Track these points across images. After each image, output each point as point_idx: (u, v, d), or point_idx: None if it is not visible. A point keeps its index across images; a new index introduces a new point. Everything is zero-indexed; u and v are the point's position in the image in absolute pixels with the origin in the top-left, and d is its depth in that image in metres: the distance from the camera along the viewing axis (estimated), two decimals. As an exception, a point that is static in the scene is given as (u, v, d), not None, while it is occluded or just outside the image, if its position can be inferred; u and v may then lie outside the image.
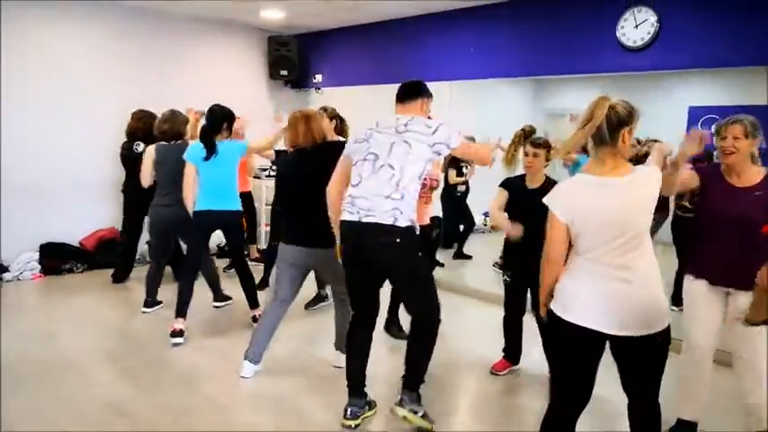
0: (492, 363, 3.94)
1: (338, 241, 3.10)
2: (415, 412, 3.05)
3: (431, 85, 7.07)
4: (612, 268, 2.14)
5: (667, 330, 2.20)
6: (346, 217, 2.93)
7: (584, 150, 6.99)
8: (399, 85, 3.19)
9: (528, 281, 3.56)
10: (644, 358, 2.23)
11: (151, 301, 4.91)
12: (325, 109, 4.80)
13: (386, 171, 2.85)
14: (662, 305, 2.18)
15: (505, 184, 3.72)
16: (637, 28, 4.77)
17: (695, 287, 2.98)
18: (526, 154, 3.64)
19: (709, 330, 2.95)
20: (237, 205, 4.35)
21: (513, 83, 10.48)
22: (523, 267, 3.52)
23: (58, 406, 3.25)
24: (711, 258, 2.92)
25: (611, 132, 2.15)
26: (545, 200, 2.27)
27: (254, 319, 4.49)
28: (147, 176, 4.77)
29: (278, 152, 5.10)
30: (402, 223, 2.83)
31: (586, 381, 2.29)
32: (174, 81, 6.72)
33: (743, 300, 2.69)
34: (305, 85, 7.63)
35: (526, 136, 6.21)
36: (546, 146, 3.66)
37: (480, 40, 5.87)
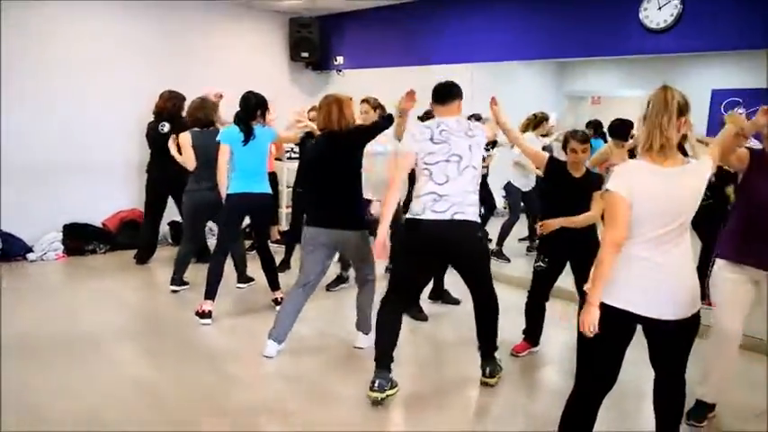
0: (512, 345, 3.97)
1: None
2: (492, 375, 3.45)
3: (451, 68, 7.11)
4: (654, 254, 2.19)
5: (698, 314, 2.28)
6: (432, 216, 3.13)
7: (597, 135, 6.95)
8: (435, 85, 3.37)
9: (561, 267, 3.80)
10: (676, 340, 2.30)
11: (179, 280, 5.00)
12: (367, 100, 4.84)
13: (470, 171, 3.18)
14: (695, 290, 2.26)
15: (552, 159, 3.80)
16: (660, 10, 4.72)
17: (726, 272, 2.99)
18: (574, 150, 3.64)
19: (738, 315, 2.97)
20: (269, 188, 4.46)
21: (534, 66, 10.37)
22: (563, 254, 3.72)
23: (85, 384, 3.34)
24: (751, 242, 2.91)
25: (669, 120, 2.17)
26: (608, 185, 2.23)
27: (276, 302, 4.57)
28: (191, 161, 4.79)
29: (302, 137, 5.14)
30: (478, 219, 3.25)
31: (615, 363, 2.33)
32: (196, 64, 6.78)
33: None
34: (326, 67, 7.65)
35: (537, 123, 6.21)
36: (588, 140, 3.71)
37: (502, 23, 5.84)
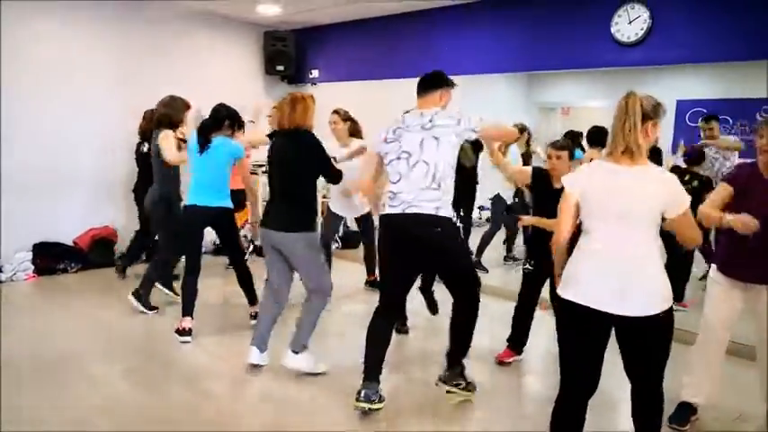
0: (496, 353, 4.00)
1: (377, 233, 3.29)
2: (458, 384, 3.32)
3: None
4: (615, 250, 2.25)
5: (668, 314, 2.27)
6: (389, 210, 3.16)
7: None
8: (419, 78, 3.31)
9: (548, 272, 3.69)
10: (646, 341, 2.30)
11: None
12: (337, 111, 4.82)
13: (421, 167, 3.06)
14: (661, 287, 2.26)
15: (535, 169, 3.89)
16: (630, 24, 4.85)
17: (718, 277, 3.07)
18: (549, 157, 3.74)
19: (723, 320, 3.06)
20: (226, 202, 4.29)
21: (507, 77, 10.54)
22: (547, 258, 3.64)
23: (70, 405, 3.26)
24: (735, 258, 2.98)
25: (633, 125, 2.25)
26: (563, 179, 2.43)
27: (253, 317, 4.51)
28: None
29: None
30: (443, 213, 3.06)
31: (592, 363, 2.36)
32: (170, 76, 6.70)
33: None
34: (301, 80, 7.65)
35: (519, 132, 6.28)
36: (567, 147, 3.76)
37: (477, 36, 5.93)
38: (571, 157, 3.73)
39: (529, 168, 3.99)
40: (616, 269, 2.23)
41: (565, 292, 2.34)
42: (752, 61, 6.55)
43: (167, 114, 4.73)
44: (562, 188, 3.62)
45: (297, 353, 3.63)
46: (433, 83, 3.24)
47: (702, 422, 3.22)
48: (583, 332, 2.31)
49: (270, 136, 4.68)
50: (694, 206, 4.53)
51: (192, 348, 4.13)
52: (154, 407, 3.28)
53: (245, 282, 4.56)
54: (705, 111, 9.34)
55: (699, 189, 4.66)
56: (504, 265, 6.65)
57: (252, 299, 4.59)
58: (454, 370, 3.35)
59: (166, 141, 4.61)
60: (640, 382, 2.41)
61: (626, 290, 2.20)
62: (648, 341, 2.30)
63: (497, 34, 5.78)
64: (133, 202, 5.77)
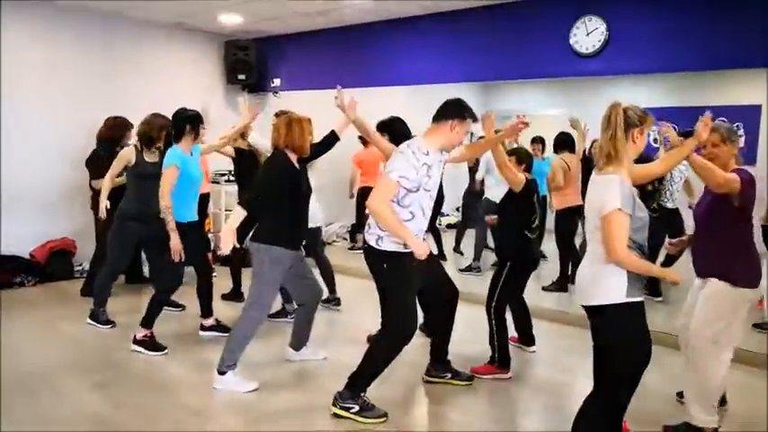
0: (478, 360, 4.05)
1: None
2: (348, 409, 3.20)
3: (388, 90, 7.23)
4: (590, 251, 2.47)
5: (598, 308, 2.38)
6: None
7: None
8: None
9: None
10: (594, 334, 2.46)
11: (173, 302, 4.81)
12: (277, 115, 4.81)
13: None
14: (599, 284, 2.38)
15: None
16: (588, 36, 5.02)
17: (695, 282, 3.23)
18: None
19: (688, 314, 3.19)
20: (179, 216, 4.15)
21: (466, 86, 10.77)
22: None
23: (43, 422, 3.17)
24: (693, 251, 3.20)
25: (612, 134, 2.38)
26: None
27: (202, 327, 4.51)
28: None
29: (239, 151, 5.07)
30: (384, 246, 3.09)
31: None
32: (128, 85, 6.59)
33: (711, 287, 3.00)
34: (263, 89, 7.61)
35: None
36: (518, 152, 3.97)
37: (439, 46, 6.03)
38: (519, 162, 3.91)
39: (522, 177, 4.11)
40: (583, 268, 2.48)
41: None
42: (704, 71, 6.91)
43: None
44: (521, 191, 3.79)
45: (222, 374, 3.58)
46: (442, 113, 3.17)
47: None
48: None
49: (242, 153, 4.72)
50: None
51: (154, 359, 4.05)
52: (122, 418, 3.21)
53: (206, 292, 4.53)
54: (655, 118, 9.74)
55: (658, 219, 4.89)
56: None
57: (205, 310, 4.54)
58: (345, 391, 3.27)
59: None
60: (597, 379, 2.50)
61: (584, 283, 2.46)
62: (595, 334, 2.45)
63: (459, 45, 5.89)
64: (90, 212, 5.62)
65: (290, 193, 3.54)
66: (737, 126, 8.99)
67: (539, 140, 7.31)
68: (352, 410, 3.19)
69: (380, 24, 6.42)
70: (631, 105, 2.40)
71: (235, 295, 5.44)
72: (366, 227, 3.21)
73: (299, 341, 4.00)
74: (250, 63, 7.29)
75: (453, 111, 3.12)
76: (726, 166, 2.99)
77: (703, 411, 2.99)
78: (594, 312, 2.39)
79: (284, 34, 7.28)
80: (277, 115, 4.51)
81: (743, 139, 8.95)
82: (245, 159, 5.03)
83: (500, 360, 3.83)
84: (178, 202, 4.03)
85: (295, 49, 7.29)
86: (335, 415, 3.22)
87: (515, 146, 4.85)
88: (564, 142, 5.85)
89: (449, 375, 3.74)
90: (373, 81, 6.57)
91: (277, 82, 7.44)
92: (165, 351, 4.12)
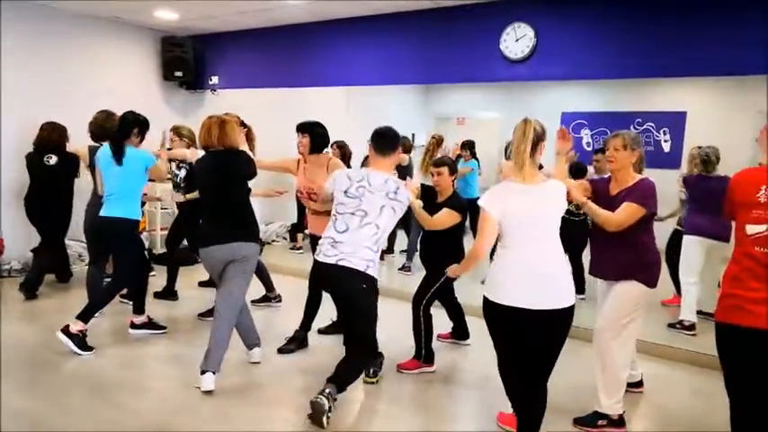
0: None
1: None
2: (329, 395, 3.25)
3: (327, 90, 7.23)
4: (529, 255, 2.58)
5: (571, 308, 2.59)
6: (323, 259, 3.23)
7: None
8: (376, 131, 3.42)
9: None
10: (550, 331, 2.60)
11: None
12: (227, 116, 4.80)
13: (371, 228, 3.21)
14: (567, 285, 2.61)
15: (423, 187, 4.01)
16: (517, 42, 5.20)
17: (599, 284, 3.43)
18: (431, 174, 3.97)
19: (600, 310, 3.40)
20: (137, 213, 4.26)
21: (407, 89, 10.94)
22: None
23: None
24: (594, 257, 3.39)
25: (532, 147, 2.60)
26: (480, 202, 2.66)
27: (132, 325, 4.47)
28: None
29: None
30: (371, 273, 3.21)
31: (524, 353, 2.64)
32: (60, 81, 6.39)
33: (617, 288, 3.21)
34: (200, 87, 7.51)
35: (438, 144, 6.60)
36: (446, 163, 3.98)
37: (376, 48, 6.11)
38: (452, 171, 3.96)
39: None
40: (537, 274, 2.55)
41: (494, 297, 2.60)
42: (627, 79, 7.24)
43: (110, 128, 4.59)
44: (442, 202, 3.93)
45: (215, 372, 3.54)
46: (395, 143, 3.39)
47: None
48: (509, 326, 2.61)
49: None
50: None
51: (93, 358, 3.96)
52: (55, 419, 3.14)
53: (140, 292, 4.48)
54: (586, 122, 10.15)
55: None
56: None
57: (140, 307, 4.49)
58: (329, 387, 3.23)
59: None
60: (537, 374, 2.68)
61: (543, 288, 2.54)
62: (552, 333, 2.61)
63: (396, 47, 5.98)
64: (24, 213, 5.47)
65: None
66: (664, 131, 9.47)
67: (467, 145, 7.51)
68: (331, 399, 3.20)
69: (319, 25, 6.45)
70: (535, 121, 2.63)
71: (168, 294, 5.38)
72: (339, 248, 3.18)
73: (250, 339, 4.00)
74: (187, 60, 7.19)
75: (398, 141, 3.45)
76: (624, 170, 3.20)
77: (610, 399, 3.20)
78: (568, 312, 2.58)
79: (222, 32, 7.21)
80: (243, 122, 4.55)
81: (668, 144, 9.44)
82: None
83: (426, 355, 3.96)
84: (134, 200, 4.19)
85: (234, 47, 7.23)
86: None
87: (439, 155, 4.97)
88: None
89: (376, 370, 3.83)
90: (312, 81, 6.61)
91: (215, 80, 7.37)
92: (93, 351, 4.05)
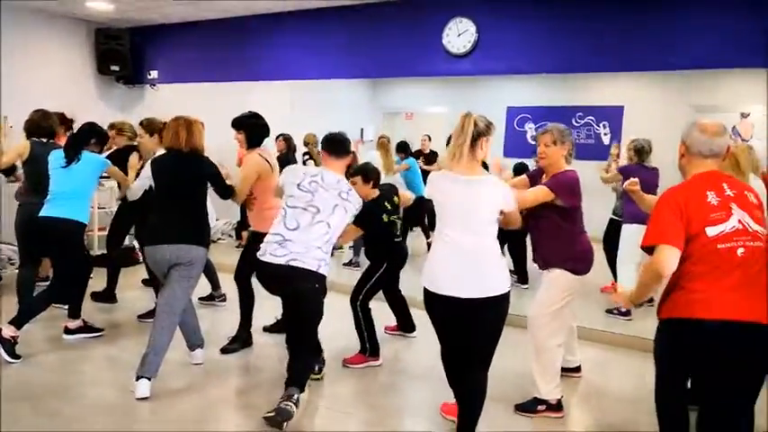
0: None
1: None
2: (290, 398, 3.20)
3: (269, 84, 7.15)
4: (463, 246, 2.62)
5: (504, 296, 2.65)
6: (270, 259, 3.13)
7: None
8: (328, 135, 3.43)
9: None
10: (485, 321, 2.64)
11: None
12: (141, 123, 4.69)
13: (323, 227, 3.17)
14: (500, 274, 2.66)
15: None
16: (459, 37, 5.25)
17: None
18: (353, 183, 3.88)
19: None
20: (85, 216, 4.14)
21: (354, 83, 10.89)
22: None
23: None
24: (532, 247, 3.50)
25: (472, 141, 2.63)
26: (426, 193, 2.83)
27: (66, 330, 4.30)
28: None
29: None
30: (323, 271, 3.18)
31: (462, 341, 2.70)
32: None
33: (547, 277, 3.32)
34: (139, 82, 7.30)
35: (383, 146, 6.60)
36: (359, 172, 3.96)
37: (319, 42, 6.07)
38: (366, 180, 3.92)
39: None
40: (467, 261, 2.61)
41: (427, 284, 2.69)
42: (567, 74, 7.42)
43: (46, 126, 4.50)
44: (370, 205, 3.93)
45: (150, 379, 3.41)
46: (347, 148, 3.44)
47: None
48: (441, 314, 2.71)
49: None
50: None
51: (26, 366, 3.79)
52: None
53: (78, 295, 4.31)
54: (530, 116, 10.35)
55: None
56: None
57: (76, 312, 4.34)
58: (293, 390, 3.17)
59: None
60: (476, 363, 2.72)
61: (475, 277, 2.60)
62: (486, 321, 2.65)
63: (340, 41, 5.96)
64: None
65: None
66: (603, 125, 9.74)
67: (402, 148, 7.50)
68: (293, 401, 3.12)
69: (261, 18, 6.36)
70: (480, 116, 2.68)
71: (107, 297, 5.20)
72: (289, 248, 3.10)
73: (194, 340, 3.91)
74: (123, 53, 6.97)
75: (349, 145, 3.51)
76: (555, 164, 3.27)
77: (548, 385, 3.29)
78: (502, 299, 2.65)
79: (162, 24, 7.03)
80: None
81: (607, 137, 9.72)
82: None
83: (371, 349, 3.96)
84: (84, 202, 4.10)
85: (174, 40, 7.06)
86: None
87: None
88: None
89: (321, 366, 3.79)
90: (254, 75, 6.52)
91: (154, 74, 7.17)
92: (20, 359, 3.87)
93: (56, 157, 4.07)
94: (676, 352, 2.34)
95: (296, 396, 3.07)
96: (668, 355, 2.38)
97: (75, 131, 4.12)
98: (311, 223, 3.15)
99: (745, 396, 2.25)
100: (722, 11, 4.45)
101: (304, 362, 3.28)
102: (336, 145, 3.40)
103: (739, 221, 2.24)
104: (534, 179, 3.45)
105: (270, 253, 3.13)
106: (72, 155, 3.99)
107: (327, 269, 3.21)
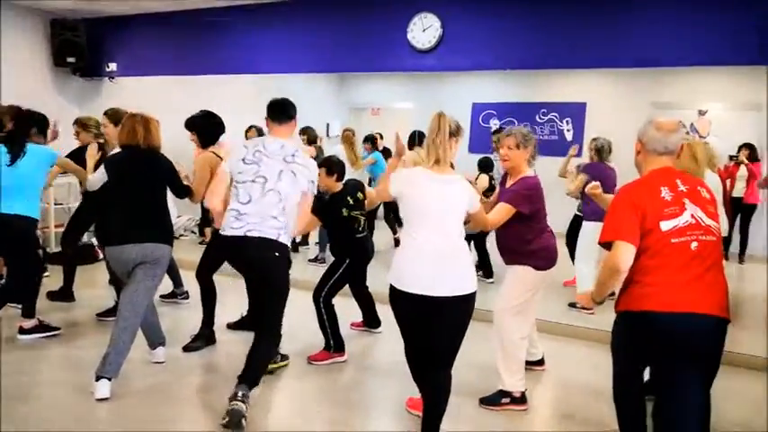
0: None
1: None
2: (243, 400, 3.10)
3: (234, 79, 7.05)
4: (434, 245, 2.63)
5: (474, 294, 2.67)
6: (230, 232, 3.14)
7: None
8: (271, 101, 3.35)
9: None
10: (452, 319, 2.66)
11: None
12: (106, 113, 4.55)
13: (274, 195, 3.15)
14: (467, 273, 2.67)
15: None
16: (424, 32, 5.25)
17: None
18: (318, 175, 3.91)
19: None
20: (36, 212, 4.04)
21: (320, 78, 10.81)
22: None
23: None
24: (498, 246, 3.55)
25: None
26: (390, 179, 2.80)
27: (21, 330, 4.16)
28: None
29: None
30: (283, 240, 3.17)
31: (428, 338, 2.69)
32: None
33: (510, 272, 3.39)
34: (97, 74, 7.10)
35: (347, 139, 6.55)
36: (323, 164, 3.98)
37: (284, 36, 5.99)
38: (330, 173, 3.97)
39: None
40: (437, 260, 2.61)
41: (395, 282, 2.67)
42: (532, 70, 7.49)
43: None
44: (331, 198, 4.02)
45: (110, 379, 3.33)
46: (290, 112, 3.35)
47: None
48: (410, 313, 2.69)
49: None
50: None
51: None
52: None
53: (32, 294, 4.18)
54: (495, 113, 10.43)
55: None
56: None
57: (30, 311, 4.20)
58: (245, 387, 3.12)
59: None
60: (441, 360, 2.72)
61: (445, 275, 2.61)
62: (455, 318, 2.66)
63: (305, 35, 5.90)
64: None
65: None
66: (567, 121, 9.88)
67: (368, 139, 7.51)
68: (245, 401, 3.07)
69: (225, 10, 6.25)
70: (451, 117, 2.72)
71: (64, 295, 5.06)
72: (245, 220, 3.11)
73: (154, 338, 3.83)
74: (80, 45, 6.77)
75: (295, 110, 3.40)
76: (517, 168, 3.33)
77: (512, 377, 3.33)
78: (469, 298, 2.66)
79: (120, 15, 6.84)
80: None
81: (570, 133, 9.86)
82: None
83: (335, 345, 3.95)
84: (34, 197, 4.00)
85: (133, 32, 6.88)
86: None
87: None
88: (411, 140, 6.02)
89: (278, 358, 3.78)
90: (217, 69, 6.41)
91: (113, 67, 6.99)
92: None
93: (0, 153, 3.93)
94: (631, 344, 2.39)
95: (241, 394, 3.03)
96: (624, 347, 2.43)
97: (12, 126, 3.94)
98: (262, 194, 3.14)
99: (700, 386, 2.29)
100: (684, 10, 4.55)
101: (262, 351, 3.23)
102: (278, 110, 3.33)
103: (692, 216, 2.29)
104: (502, 185, 3.52)
105: (229, 227, 3.15)
106: (17, 150, 3.86)
107: (288, 239, 3.20)
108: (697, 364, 2.26)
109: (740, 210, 7.54)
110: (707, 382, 2.33)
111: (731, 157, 7.51)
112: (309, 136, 6.72)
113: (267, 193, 3.14)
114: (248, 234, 3.10)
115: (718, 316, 2.24)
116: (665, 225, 2.27)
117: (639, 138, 2.47)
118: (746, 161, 7.38)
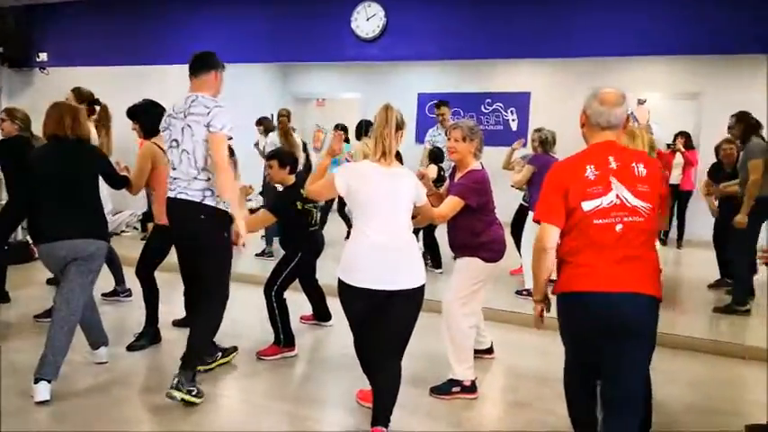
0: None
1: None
2: (190, 391, 3.11)
3: (175, 68, 6.83)
4: (383, 239, 2.64)
5: (423, 288, 2.71)
6: (168, 194, 3.21)
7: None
8: (191, 56, 3.22)
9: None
10: (402, 311, 2.69)
11: None
12: (75, 90, 4.38)
13: (185, 156, 3.12)
14: (416, 267, 2.71)
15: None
16: (368, 21, 5.22)
17: None
18: (270, 166, 3.98)
19: None
20: None
21: (263, 68, 10.60)
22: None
23: None
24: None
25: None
26: (336, 174, 2.75)
27: None
28: None
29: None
30: (209, 202, 3.13)
31: (377, 331, 2.72)
32: None
33: (458, 263, 3.44)
34: (27, 64, 6.76)
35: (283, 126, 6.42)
36: (274, 156, 3.98)
37: (223, 25, 5.85)
38: (282, 165, 3.92)
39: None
40: (386, 253, 2.63)
41: (344, 276, 2.68)
42: (478, 60, 7.55)
43: None
44: (286, 190, 3.97)
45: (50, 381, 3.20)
46: (206, 64, 3.21)
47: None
48: (358, 306, 2.70)
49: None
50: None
51: None
52: None
53: None
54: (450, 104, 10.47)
55: None
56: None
57: None
58: (187, 374, 3.15)
59: None
60: (390, 352, 2.74)
61: (395, 269, 2.64)
62: (404, 311, 2.70)
63: (246, 24, 5.78)
64: None
65: None
66: (511, 111, 10.02)
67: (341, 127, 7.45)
68: (193, 393, 3.11)
69: (163, -1, 6.06)
70: (397, 110, 2.75)
71: (-1, 296, 4.81)
72: (176, 183, 3.13)
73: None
74: (8, 33, 6.43)
75: (215, 61, 3.25)
76: (464, 160, 3.37)
77: (461, 366, 3.37)
78: (419, 291, 2.70)
79: (51, 3, 6.53)
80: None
81: (515, 123, 10.01)
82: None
83: (285, 339, 3.90)
84: None
85: (66, 20, 6.58)
86: (185, 401, 3.07)
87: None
88: (360, 129, 5.96)
89: (219, 355, 3.70)
90: (152, 59, 6.21)
91: (44, 56, 6.67)
92: None
93: None
94: (569, 324, 2.39)
95: (176, 381, 3.06)
96: (566, 329, 2.43)
97: None
98: (179, 157, 3.14)
99: (637, 365, 2.29)
100: (625, 2, 4.66)
101: (200, 326, 3.23)
102: (192, 63, 3.22)
103: (617, 196, 2.24)
104: (452, 178, 3.56)
105: (169, 190, 3.22)
106: None
107: (215, 200, 3.15)
108: (632, 342, 2.24)
109: (677, 196, 7.84)
110: (644, 362, 2.34)
111: (668, 146, 7.79)
112: (266, 126, 6.59)
113: (182, 155, 3.13)
114: (177, 196, 3.16)
115: (649, 294, 2.23)
116: (587, 205, 2.24)
117: (584, 109, 2.41)
118: (683, 149, 7.67)
